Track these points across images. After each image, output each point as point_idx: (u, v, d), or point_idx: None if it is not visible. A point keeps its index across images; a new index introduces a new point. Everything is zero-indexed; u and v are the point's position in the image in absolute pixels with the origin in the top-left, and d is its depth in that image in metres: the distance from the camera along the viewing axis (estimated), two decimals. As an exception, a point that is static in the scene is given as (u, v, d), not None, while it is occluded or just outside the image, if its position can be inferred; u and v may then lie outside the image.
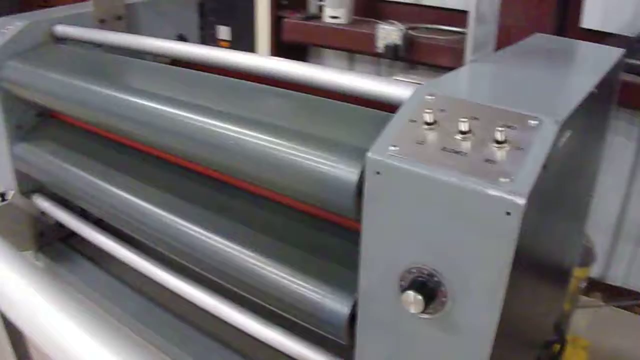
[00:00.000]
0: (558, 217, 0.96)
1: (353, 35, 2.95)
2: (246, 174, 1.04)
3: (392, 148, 0.76)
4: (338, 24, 3.00)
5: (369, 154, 0.77)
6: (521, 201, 0.67)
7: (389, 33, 2.75)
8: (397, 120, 0.81)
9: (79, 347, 1.02)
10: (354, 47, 3.01)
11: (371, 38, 2.83)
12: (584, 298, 2.59)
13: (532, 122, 0.74)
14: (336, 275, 0.98)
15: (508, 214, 0.68)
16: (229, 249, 1.09)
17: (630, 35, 2.27)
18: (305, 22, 3.10)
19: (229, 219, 1.14)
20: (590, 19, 2.37)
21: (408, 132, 0.78)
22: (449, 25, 2.86)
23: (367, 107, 1.00)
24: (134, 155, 1.39)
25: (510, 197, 0.67)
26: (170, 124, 1.12)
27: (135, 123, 1.20)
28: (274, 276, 1.02)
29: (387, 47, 2.76)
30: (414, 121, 0.79)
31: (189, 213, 1.19)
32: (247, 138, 0.99)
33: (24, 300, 1.12)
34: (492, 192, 0.68)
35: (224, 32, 3.61)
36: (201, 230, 1.14)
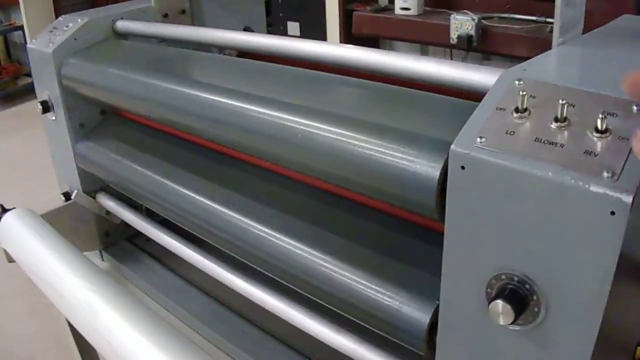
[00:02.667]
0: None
1: (425, 27, 2.91)
2: (318, 171, 0.97)
3: (479, 140, 0.68)
4: (409, 16, 2.97)
5: (453, 147, 0.69)
6: (628, 199, 0.59)
7: (461, 23, 2.70)
8: (483, 109, 0.73)
9: (134, 348, 1.00)
10: (426, 39, 2.97)
11: (444, 29, 2.78)
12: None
13: (637, 107, 0.66)
14: (416, 280, 0.90)
15: (612, 213, 0.60)
16: (299, 251, 1.02)
17: None
18: (376, 15, 3.08)
19: (299, 219, 1.08)
20: None
21: (496, 121, 0.70)
22: (523, 14, 2.80)
23: (447, 96, 0.92)
24: (199, 152, 1.34)
25: (615, 194, 0.59)
26: (238, 118, 1.06)
27: (201, 118, 1.15)
28: (347, 280, 0.95)
29: (460, 37, 2.72)
30: (502, 109, 0.71)
31: (257, 212, 1.13)
32: (319, 132, 0.92)
33: (81, 302, 1.11)
34: (594, 188, 0.60)
35: (293, 27, 3.60)
36: (270, 231, 1.08)
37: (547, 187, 0.63)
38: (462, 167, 0.69)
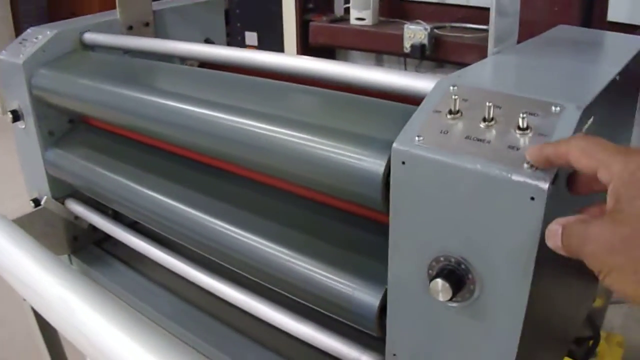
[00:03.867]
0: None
1: (379, 36, 2.98)
2: (276, 170, 1.06)
3: (417, 138, 0.77)
4: (364, 26, 3.04)
5: (395, 145, 0.78)
6: (545, 185, 0.68)
7: (415, 33, 2.78)
8: (422, 111, 0.82)
9: (112, 343, 1.04)
10: (381, 48, 3.05)
11: (397, 38, 2.85)
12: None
13: (555, 108, 0.75)
14: (365, 267, 0.99)
15: (532, 199, 0.69)
16: (260, 245, 1.10)
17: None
18: (332, 25, 3.14)
19: (259, 216, 1.16)
20: (617, 12, 2.36)
21: (432, 122, 0.79)
22: (475, 23, 2.88)
23: (392, 101, 1.01)
24: (164, 157, 1.41)
25: (534, 182, 0.68)
26: (200, 123, 1.14)
27: (165, 124, 1.22)
28: (304, 270, 1.03)
29: (414, 46, 2.79)
30: (438, 112, 0.80)
31: (219, 210, 1.21)
32: (277, 135, 1.01)
33: (57, 298, 1.15)
34: (516, 177, 0.69)
35: (251, 37, 3.65)
36: (233, 228, 1.16)
37: (476, 177, 0.72)
38: (403, 163, 0.78)
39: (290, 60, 1.17)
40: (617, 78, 0.91)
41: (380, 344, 0.97)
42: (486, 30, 2.70)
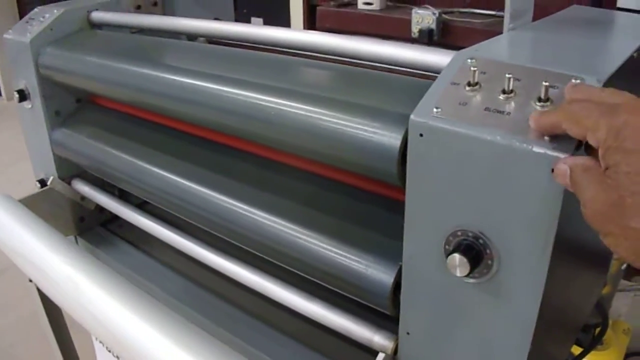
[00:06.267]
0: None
1: (387, 21, 2.96)
2: (290, 145, 1.05)
3: (435, 110, 0.76)
4: (371, 10, 3.02)
5: (413, 116, 0.77)
6: (565, 157, 0.66)
7: (423, 17, 2.76)
8: (439, 84, 0.81)
9: (120, 321, 1.03)
10: (388, 33, 3.02)
11: (405, 23, 2.84)
12: (624, 282, 2.56)
13: (575, 81, 0.73)
14: (378, 244, 0.98)
15: (553, 170, 0.67)
16: (271, 222, 1.09)
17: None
18: (339, 10, 3.12)
19: (270, 193, 1.15)
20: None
21: (450, 94, 0.78)
22: (483, 8, 2.86)
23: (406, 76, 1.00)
24: (173, 135, 1.40)
25: (555, 154, 0.67)
26: (211, 99, 1.12)
27: (175, 100, 1.21)
28: (317, 247, 1.02)
29: (422, 31, 2.77)
30: (456, 84, 0.79)
31: (230, 189, 1.19)
32: (290, 109, 0.99)
33: (64, 278, 1.14)
34: (537, 149, 0.68)
35: (257, 23, 3.62)
36: (243, 205, 1.15)
37: (496, 149, 0.71)
38: (421, 135, 0.76)
39: (301, 35, 1.16)
40: (635, 55, 0.89)
41: (390, 323, 0.97)
42: (494, 16, 2.70)
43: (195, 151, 1.33)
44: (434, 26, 2.74)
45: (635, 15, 1.20)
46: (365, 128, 0.88)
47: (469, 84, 0.78)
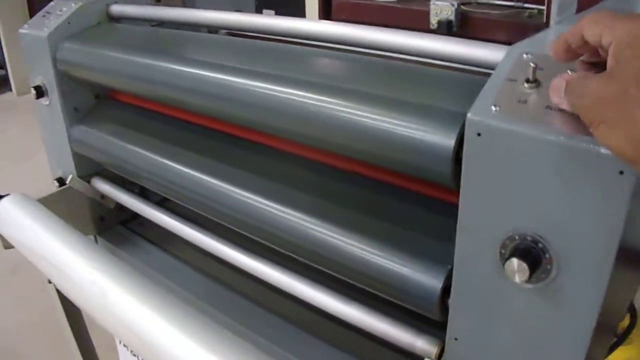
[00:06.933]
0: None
1: (405, 13, 2.93)
2: (333, 145, 1.00)
3: (494, 108, 0.72)
4: (389, 2, 2.99)
5: (470, 115, 0.73)
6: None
7: (441, 9, 2.73)
8: (495, 80, 0.76)
9: (144, 323, 1.01)
10: (406, 25, 2.97)
11: (423, 15, 2.81)
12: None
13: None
14: (425, 247, 0.94)
15: (621, 173, 0.64)
16: (308, 224, 1.05)
17: None
18: (355, 1, 3.08)
19: (306, 193, 1.11)
20: None
21: (508, 91, 0.74)
22: (502, -1, 2.83)
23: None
24: (195, 131, 1.37)
25: (623, 155, 0.63)
26: (242, 94, 1.08)
27: (199, 94, 1.18)
28: (359, 250, 0.98)
29: (440, 22, 2.74)
30: (514, 80, 0.75)
31: (262, 187, 1.15)
32: (332, 106, 0.95)
33: (87, 280, 1.11)
34: (605, 150, 0.64)
35: (268, 15, 3.58)
36: (276, 205, 1.11)
37: (559, 150, 0.67)
38: (479, 134, 0.72)
39: (331, 27, 1.13)
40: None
41: (429, 327, 0.95)
42: (513, 7, 2.66)
43: (219, 147, 1.30)
44: (452, 17, 2.71)
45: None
46: (417, 127, 0.84)
47: (527, 81, 0.73)
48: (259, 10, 3.65)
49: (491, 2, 2.84)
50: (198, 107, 1.23)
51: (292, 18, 1.19)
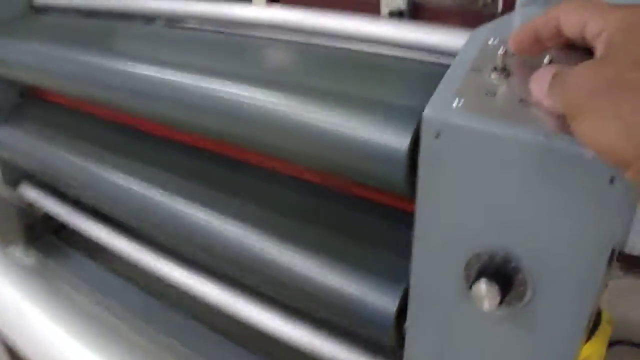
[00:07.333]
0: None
1: (354, 2, 2.84)
2: (266, 145, 0.88)
3: (456, 102, 0.60)
4: (339, -10, 2.88)
5: (427, 112, 0.61)
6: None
7: (393, -2, 2.64)
8: (456, 69, 0.65)
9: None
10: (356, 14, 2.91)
11: (374, 3, 2.72)
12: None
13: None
14: (378, 262, 0.82)
15: (612, 181, 0.53)
16: (245, 237, 0.94)
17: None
18: (304, -11, 2.99)
19: (243, 201, 0.99)
20: None
21: (473, 82, 0.62)
22: (456, -14, 2.76)
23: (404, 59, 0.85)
24: (130, 134, 1.25)
25: (613, 159, 0.52)
26: (175, 91, 0.95)
27: (132, 93, 1.05)
28: (298, 266, 0.87)
29: (392, 13, 2.65)
30: (479, 70, 0.63)
31: (197, 196, 1.04)
32: (266, 101, 0.82)
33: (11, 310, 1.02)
34: (592, 153, 0.53)
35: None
36: (212, 215, 0.99)
37: (538, 153, 0.55)
38: (438, 135, 0.60)
39: (271, 12, 1.02)
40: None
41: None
42: (467, -6, 2.58)
43: (158, 153, 1.18)
44: (404, 7, 2.63)
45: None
46: (363, 125, 0.72)
47: (495, 70, 0.62)
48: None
49: (445, -10, 2.77)
50: (133, 108, 1.11)
51: (230, 3, 1.08)
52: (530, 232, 0.60)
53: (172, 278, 1.16)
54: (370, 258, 0.83)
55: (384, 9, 2.66)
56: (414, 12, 2.65)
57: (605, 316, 2.29)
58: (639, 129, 0.44)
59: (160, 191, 1.08)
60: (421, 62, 0.82)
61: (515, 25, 0.76)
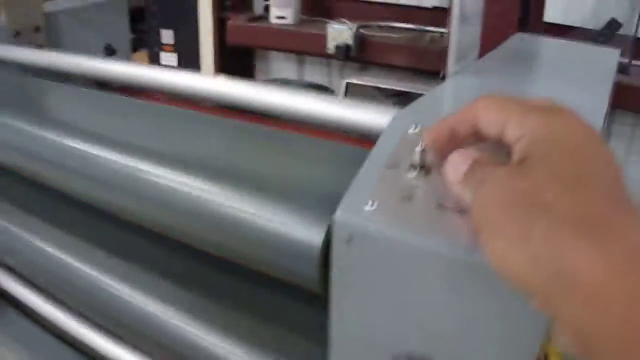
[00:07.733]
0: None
1: (301, 36, 2.84)
2: (176, 230, 0.81)
3: (369, 206, 0.55)
4: (285, 25, 2.89)
5: (338, 214, 0.56)
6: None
7: (339, 33, 2.65)
8: (372, 165, 0.60)
9: None
10: (303, 49, 2.93)
11: (321, 38, 2.72)
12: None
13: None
14: (296, 350, 0.77)
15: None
16: (158, 315, 0.87)
17: (593, 28, 2.41)
18: (250, 24, 2.97)
19: (161, 277, 0.93)
20: (552, 13, 2.37)
21: (388, 182, 0.57)
22: (402, 22, 2.78)
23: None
24: (54, 197, 1.16)
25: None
26: (78, 164, 0.89)
27: (45, 164, 0.98)
28: (211, 347, 0.81)
29: (338, 47, 2.66)
30: (396, 167, 0.59)
31: (109, 266, 0.98)
32: (177, 185, 0.76)
33: None
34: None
35: (167, 35, 3.46)
36: (129, 293, 0.93)
37: (456, 266, 0.51)
38: (349, 240, 0.56)
39: (202, 81, 0.96)
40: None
41: None
42: (414, 30, 2.58)
43: (77, 218, 1.10)
44: (351, 42, 2.61)
45: (591, 48, 1.05)
46: (274, 217, 0.66)
47: (413, 167, 0.57)
48: (154, 31, 3.50)
49: (392, 25, 2.75)
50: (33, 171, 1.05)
51: (163, 69, 1.03)
52: (450, 339, 0.55)
53: (99, 346, 1.09)
54: (289, 344, 0.78)
55: (330, 44, 2.65)
56: (360, 47, 2.64)
57: (553, 350, 2.28)
58: (549, 258, 0.39)
59: (76, 260, 1.01)
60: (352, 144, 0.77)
61: (443, 103, 0.73)
